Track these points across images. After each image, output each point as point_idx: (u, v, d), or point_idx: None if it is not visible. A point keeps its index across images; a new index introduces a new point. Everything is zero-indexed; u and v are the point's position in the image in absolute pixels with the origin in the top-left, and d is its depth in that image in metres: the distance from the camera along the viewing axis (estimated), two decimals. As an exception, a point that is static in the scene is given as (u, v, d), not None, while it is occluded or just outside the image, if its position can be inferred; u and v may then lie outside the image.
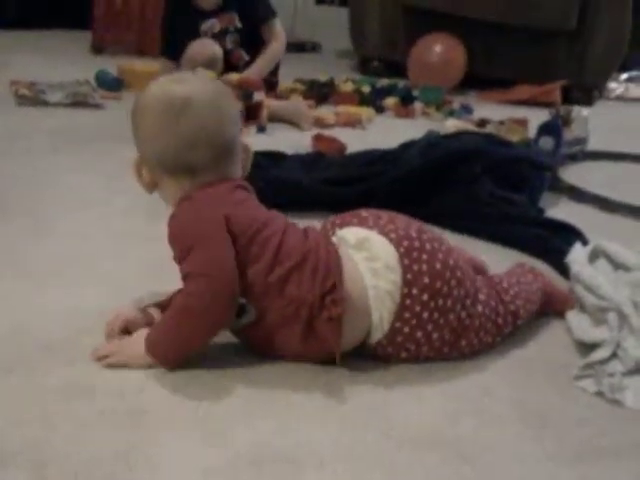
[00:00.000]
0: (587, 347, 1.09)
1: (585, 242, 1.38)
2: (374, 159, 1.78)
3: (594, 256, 1.24)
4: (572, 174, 2.05)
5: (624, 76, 3.79)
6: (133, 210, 1.52)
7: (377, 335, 0.99)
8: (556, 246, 1.40)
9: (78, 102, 2.42)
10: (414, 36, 3.36)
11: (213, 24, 2.57)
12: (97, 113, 2.38)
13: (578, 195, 1.87)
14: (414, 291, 0.98)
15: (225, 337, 1.02)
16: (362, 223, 1.05)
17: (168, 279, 1.06)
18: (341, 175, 1.70)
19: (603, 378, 1.01)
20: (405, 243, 0.99)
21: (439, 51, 3.26)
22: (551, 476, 0.84)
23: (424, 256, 0.99)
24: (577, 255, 1.24)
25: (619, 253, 1.23)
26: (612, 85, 3.66)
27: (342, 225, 1.07)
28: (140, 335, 0.97)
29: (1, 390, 0.89)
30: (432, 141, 1.83)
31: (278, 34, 2.66)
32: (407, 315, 0.98)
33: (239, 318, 0.97)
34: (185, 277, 0.95)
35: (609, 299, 1.10)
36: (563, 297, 1.21)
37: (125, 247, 1.35)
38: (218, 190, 1.00)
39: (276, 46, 2.65)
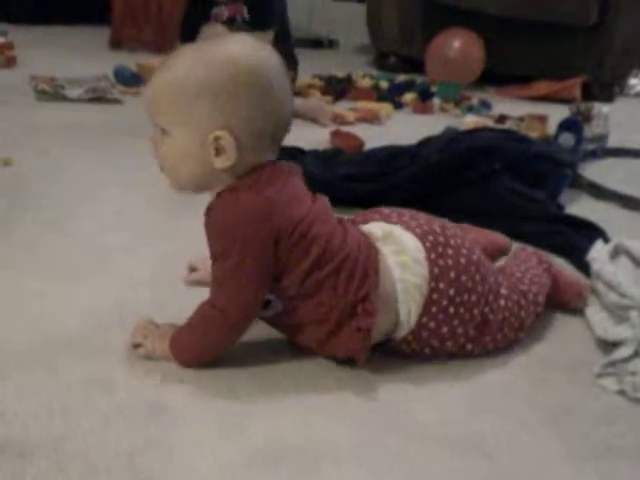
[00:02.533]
0: (609, 345, 1.08)
1: (606, 239, 1.37)
2: (392, 155, 1.77)
3: (615, 253, 1.23)
4: (592, 171, 2.03)
5: (645, 72, 3.75)
6: (151, 205, 1.53)
7: (403, 331, 0.98)
8: (577, 243, 1.39)
9: (97, 97, 2.43)
10: (432, 31, 3.34)
11: (222, 10, 2.58)
12: (116, 108, 2.39)
13: (599, 192, 1.86)
14: (441, 285, 0.97)
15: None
16: (385, 219, 1.04)
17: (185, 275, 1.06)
18: (360, 171, 1.69)
19: (625, 377, 1.00)
20: (430, 238, 0.99)
21: (457, 47, 3.24)
22: (571, 475, 0.83)
23: (449, 251, 0.99)
24: (598, 253, 1.23)
25: (641, 251, 1.22)
26: (633, 81, 3.63)
27: (365, 222, 1.06)
28: (168, 331, 0.97)
29: (22, 385, 0.90)
30: (451, 137, 1.82)
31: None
32: (434, 310, 0.98)
33: (264, 310, 0.96)
34: (214, 281, 0.94)
35: (631, 297, 1.09)
36: (570, 282, 1.20)
37: (143, 242, 1.35)
38: (272, 185, 0.92)
39: None
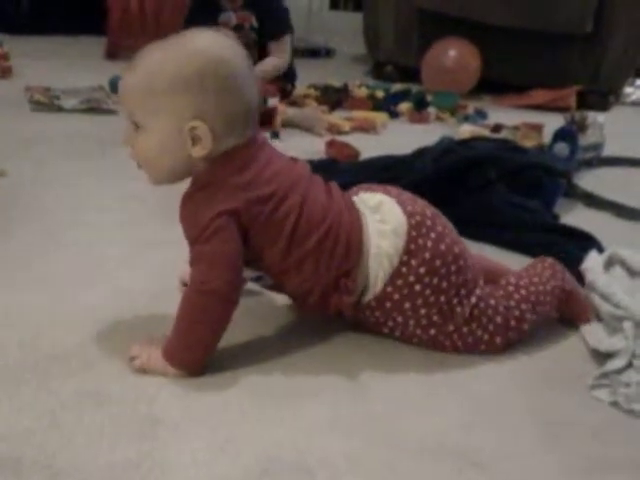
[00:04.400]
0: (602, 356, 1.08)
1: (601, 249, 1.37)
2: (388, 165, 1.78)
3: (610, 263, 1.23)
4: (587, 180, 2.04)
5: (640, 81, 3.76)
6: (147, 216, 1.53)
7: (369, 295, 1.03)
8: (571, 253, 1.39)
9: (92, 108, 2.43)
10: (428, 41, 3.35)
11: (230, 17, 2.58)
12: (111, 119, 2.39)
13: (594, 201, 1.86)
14: (413, 262, 1.02)
15: (236, 340, 1.02)
16: (386, 192, 1.09)
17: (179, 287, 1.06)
18: (355, 181, 1.69)
19: (619, 388, 1.00)
20: (418, 218, 1.04)
21: (453, 56, 3.25)
22: (566, 487, 0.83)
23: (432, 234, 1.03)
24: (592, 263, 1.23)
25: (635, 260, 1.22)
26: (628, 90, 3.64)
27: (367, 190, 1.11)
28: (163, 341, 0.97)
29: (15, 399, 0.89)
30: (446, 147, 1.82)
31: (285, 52, 2.62)
32: (400, 282, 1.02)
33: (260, 282, 1.10)
34: (192, 263, 0.98)
35: (625, 307, 1.10)
36: (583, 300, 1.18)
37: (139, 253, 1.35)
38: (237, 166, 0.99)
39: (280, 62, 2.59)
